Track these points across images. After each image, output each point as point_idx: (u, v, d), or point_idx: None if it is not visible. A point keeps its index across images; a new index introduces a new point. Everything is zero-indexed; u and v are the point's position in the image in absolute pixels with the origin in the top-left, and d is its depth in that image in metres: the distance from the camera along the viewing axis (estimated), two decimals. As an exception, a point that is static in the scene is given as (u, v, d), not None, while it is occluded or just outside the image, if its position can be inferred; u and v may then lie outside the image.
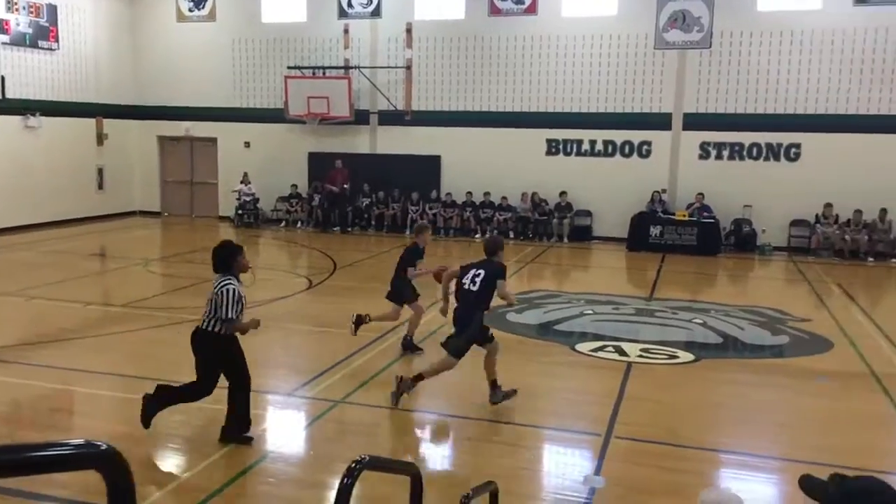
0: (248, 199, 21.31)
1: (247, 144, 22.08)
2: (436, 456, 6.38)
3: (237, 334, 6.16)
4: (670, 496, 5.35)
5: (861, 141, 17.03)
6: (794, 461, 6.19)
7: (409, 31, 20.27)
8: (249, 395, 6.19)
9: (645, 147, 18.96)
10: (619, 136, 19.06)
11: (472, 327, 7.00)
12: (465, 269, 7.23)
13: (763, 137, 17.96)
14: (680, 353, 9.28)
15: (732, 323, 10.89)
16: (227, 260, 6.12)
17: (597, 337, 9.87)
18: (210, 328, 6.04)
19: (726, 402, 7.53)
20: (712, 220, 17.75)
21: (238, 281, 6.13)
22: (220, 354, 6.08)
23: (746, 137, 18.08)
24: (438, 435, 6.86)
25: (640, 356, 9.04)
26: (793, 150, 17.82)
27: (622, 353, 9.17)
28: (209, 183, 22.80)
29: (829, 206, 17.17)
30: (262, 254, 17.79)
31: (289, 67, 20.98)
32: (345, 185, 20.47)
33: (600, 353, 9.13)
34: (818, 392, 8.04)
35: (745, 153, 18.21)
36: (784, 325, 10.84)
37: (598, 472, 5.80)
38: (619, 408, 7.17)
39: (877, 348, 9.63)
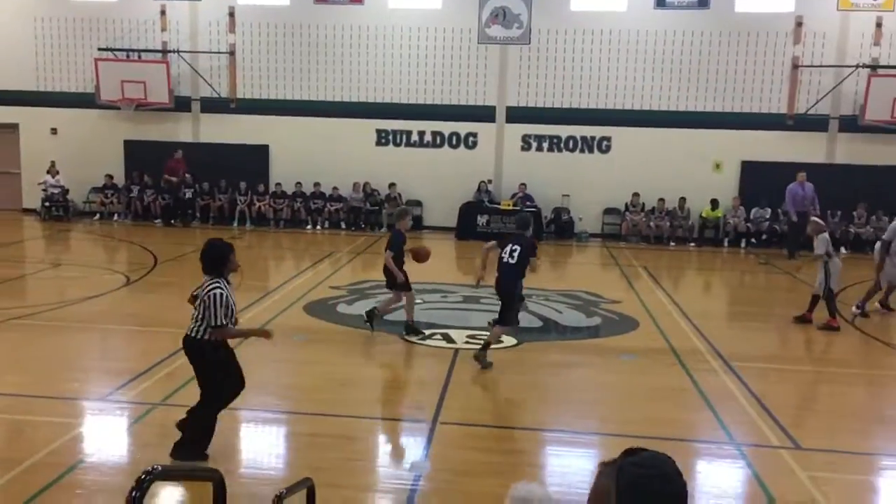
0: (55, 190, 19.74)
1: (53, 131, 20.43)
2: (258, 455, 6.28)
3: (226, 342, 5.73)
4: (495, 476, 5.61)
5: (663, 135, 18.52)
6: (606, 434, 6.71)
7: (231, 15, 19.59)
8: (218, 411, 5.78)
9: (471, 138, 19.53)
10: (446, 127, 19.50)
11: (515, 297, 8.26)
12: (502, 245, 8.36)
13: (578, 131, 19.07)
14: (504, 337, 9.69)
15: (552, 307, 11.53)
16: (218, 261, 5.67)
17: (425, 325, 10.09)
18: (196, 335, 5.59)
19: (546, 383, 7.98)
20: (534, 209, 18.63)
21: (228, 283, 5.69)
22: (210, 361, 5.63)
23: (563, 130, 19.12)
24: (264, 434, 6.76)
25: (467, 342, 9.35)
26: (604, 142, 19.08)
27: (449, 340, 9.46)
28: (11, 173, 20.88)
29: (636, 195, 18.57)
30: (72, 250, 16.57)
31: (100, 49, 19.63)
32: (186, 175, 19.54)
33: (428, 341, 9.36)
34: (624, 369, 8.71)
35: (562, 145, 19.25)
36: (597, 308, 11.62)
37: (424, 458, 5.97)
38: (446, 394, 7.40)
39: (676, 326, 10.55)
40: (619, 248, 17.89)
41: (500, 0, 18.84)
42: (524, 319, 10.69)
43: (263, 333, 5.98)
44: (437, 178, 19.42)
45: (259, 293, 11.71)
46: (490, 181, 19.30)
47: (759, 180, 17.97)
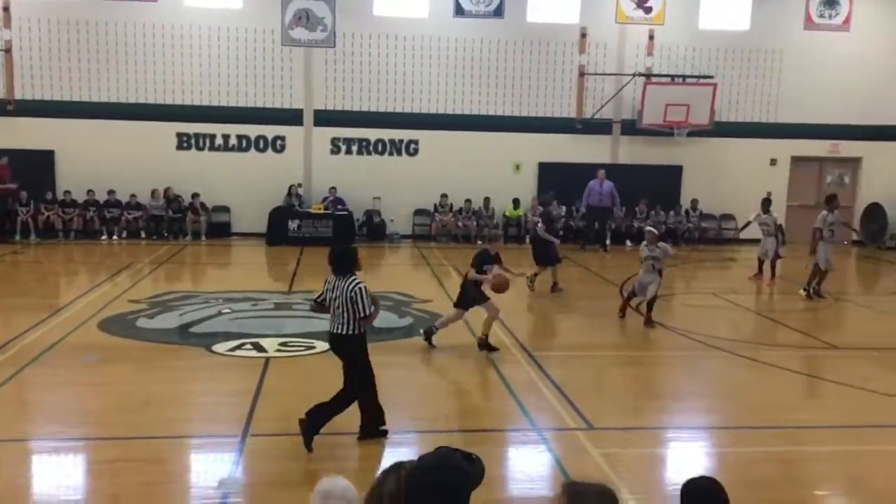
0: None
1: None
2: (50, 490, 5.81)
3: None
4: (309, 485, 5.56)
5: (467, 137, 19.24)
6: (420, 432, 6.88)
7: (6, 9, 17.86)
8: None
9: (279, 142, 19.19)
10: (252, 130, 19.02)
11: None
12: None
13: (387, 134, 19.33)
14: (317, 343, 9.64)
15: (364, 309, 11.60)
16: (351, 261, 6.44)
17: (234, 336, 9.81)
18: (350, 331, 6.34)
19: (357, 386, 8.03)
20: (346, 212, 18.66)
21: None
22: (363, 354, 6.44)
23: (372, 134, 19.30)
24: (56, 465, 6.25)
25: (279, 350, 9.21)
26: (412, 145, 19.48)
27: (260, 349, 9.26)
28: None
29: (444, 196, 19.15)
30: None
31: None
32: (10, 186, 17.55)
33: (238, 352, 9.11)
34: (436, 366, 8.98)
35: (371, 148, 19.43)
36: (409, 308, 11.87)
37: (234, 473, 5.82)
38: (256, 405, 7.25)
39: (483, 323, 11.00)
40: (430, 248, 18.36)
41: (302, 2, 18.65)
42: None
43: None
44: (244, 183, 18.88)
45: (47, 312, 10.80)
46: (300, 185, 19.07)
47: (554, 180, 19.15)
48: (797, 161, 20.10)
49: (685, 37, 19.36)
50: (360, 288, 6.27)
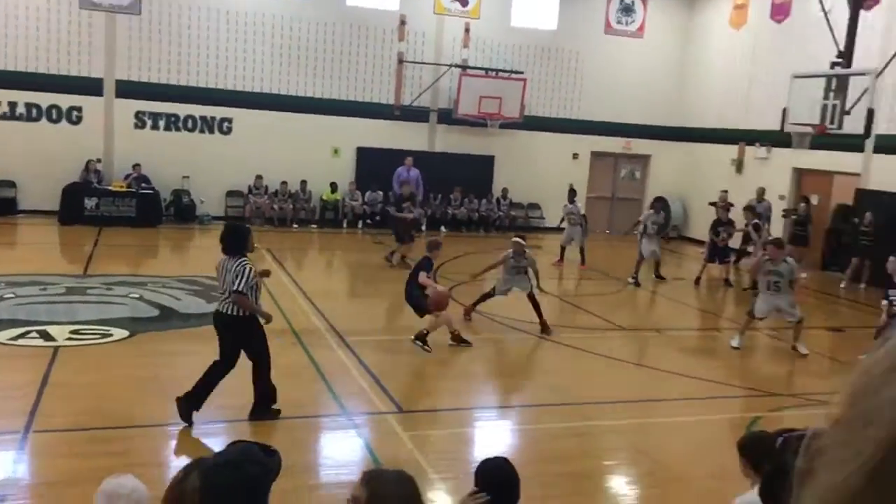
0: None
1: None
2: None
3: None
4: (93, 483, 5.20)
5: (285, 118, 18.76)
6: (221, 422, 6.65)
7: None
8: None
9: (75, 113, 17.68)
10: (44, 99, 17.37)
11: None
12: None
13: (198, 110, 18.39)
14: (114, 330, 9.03)
15: (169, 294, 11.03)
16: (243, 241, 6.60)
17: (18, 323, 8.94)
18: (236, 312, 6.42)
19: (158, 375, 7.63)
20: (151, 191, 17.57)
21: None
22: (257, 336, 6.54)
23: (182, 109, 18.28)
24: None
25: (70, 339, 8.52)
26: (225, 123, 18.69)
27: (48, 337, 8.52)
28: None
29: (259, 177, 18.57)
30: None
31: None
32: None
33: (21, 341, 8.32)
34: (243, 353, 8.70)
35: (181, 124, 18.42)
36: (218, 292, 11.39)
37: (12, 474, 5.31)
38: (41, 399, 6.66)
39: (297, 307, 10.85)
40: (243, 231, 17.72)
41: (103, -37, 17.24)
42: (136, 309, 10.09)
43: (267, 317, 6.76)
44: (33, 156, 17.19)
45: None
46: (99, 160, 17.67)
47: (373, 165, 19.20)
48: (596, 156, 21.54)
49: (499, 32, 20.07)
50: (244, 266, 6.41)
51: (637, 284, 14.22)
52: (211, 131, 18.64)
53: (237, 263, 6.41)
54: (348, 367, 8.27)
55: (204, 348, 8.68)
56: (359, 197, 19.20)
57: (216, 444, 5.91)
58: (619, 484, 6.34)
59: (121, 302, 10.43)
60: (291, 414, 6.87)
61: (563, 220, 16.37)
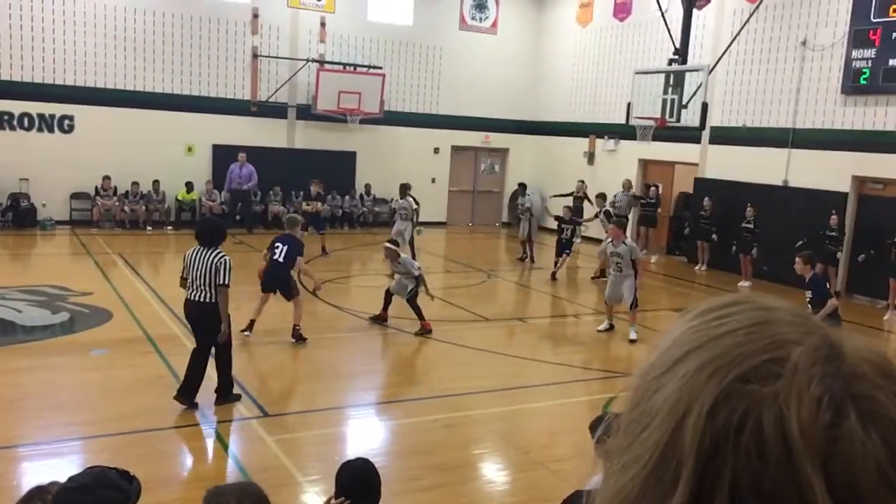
0: None
1: None
2: None
3: None
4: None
5: (133, 115, 17.81)
6: (76, 439, 6.28)
7: None
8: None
9: None
10: None
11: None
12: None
13: (34, 107, 17.13)
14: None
15: (8, 306, 10.26)
16: (220, 235, 7.17)
17: None
18: (211, 299, 6.81)
19: (4, 395, 7.09)
20: (-16, 196, 16.23)
21: None
22: (217, 321, 6.85)
23: (16, 107, 16.98)
24: None
25: None
26: (66, 121, 17.52)
27: None
28: None
29: (107, 178, 17.55)
30: None
31: None
32: None
33: None
34: (96, 365, 8.27)
35: (16, 123, 17.10)
36: (65, 302, 10.73)
37: None
38: None
39: (153, 313, 10.38)
40: (92, 234, 16.74)
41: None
42: (193, 294, 9.65)
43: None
44: None
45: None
46: (-80, 163, 16.12)
47: (230, 163, 18.58)
48: (456, 150, 21.92)
49: (355, 27, 19.96)
50: (225, 259, 6.88)
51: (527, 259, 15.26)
52: (50, 130, 17.43)
53: (217, 256, 6.87)
54: (209, 373, 8.01)
55: (50, 362, 8.18)
56: (217, 196, 18.57)
57: (66, 464, 5.57)
58: (486, 472, 6.53)
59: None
60: (149, 426, 6.60)
61: (394, 213, 16.49)
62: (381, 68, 19.95)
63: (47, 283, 11.69)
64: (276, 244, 9.40)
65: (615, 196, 16.97)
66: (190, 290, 7.00)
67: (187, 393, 6.90)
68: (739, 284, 14.73)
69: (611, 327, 10.76)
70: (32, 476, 5.61)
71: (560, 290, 14.52)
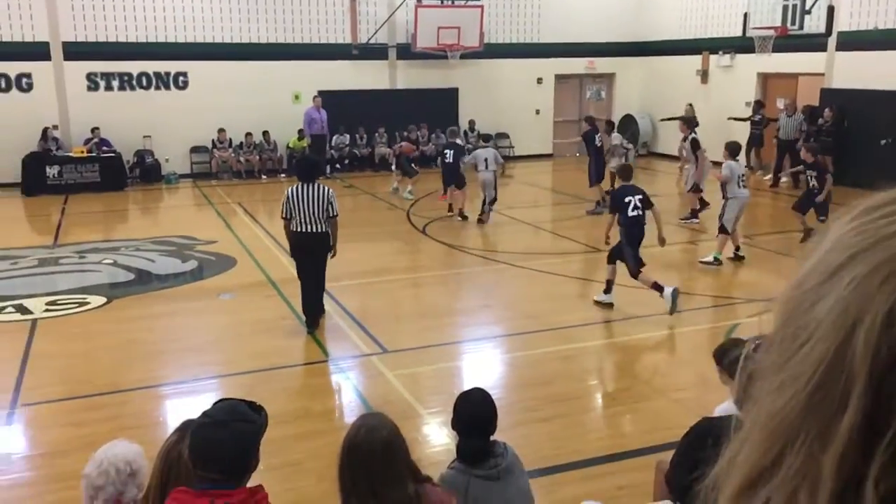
0: None
1: None
2: None
3: None
4: (84, 450, 5.26)
5: (240, 68, 18.30)
6: (211, 378, 6.70)
7: None
8: None
9: (25, 80, 17.14)
10: (-11, 68, 16.81)
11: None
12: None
13: (151, 66, 17.89)
14: (91, 297, 8.98)
15: (143, 256, 10.95)
16: (320, 169, 8.05)
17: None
18: (324, 229, 7.35)
19: (141, 338, 7.63)
20: (113, 154, 17.22)
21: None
22: (325, 250, 7.57)
23: (134, 67, 17.78)
24: None
25: (47, 310, 8.48)
26: (181, 78, 18.22)
27: (25, 311, 8.46)
28: None
29: (222, 130, 18.23)
30: None
31: None
32: None
33: (-2, 317, 8.26)
34: (225, 308, 8.74)
35: (135, 83, 17.93)
36: (192, 251, 11.34)
37: (5, 447, 5.35)
38: (25, 372, 6.66)
39: (273, 258, 10.81)
40: (212, 186, 17.54)
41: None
42: (111, 275, 10.04)
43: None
44: (-12, 128, 16.73)
45: None
46: (56, 127, 17.23)
47: (336, 109, 18.86)
48: (560, 79, 21.33)
49: (451, -41, 19.54)
50: (329, 192, 7.35)
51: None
52: (167, 87, 18.19)
53: (323, 191, 7.32)
54: (330, 313, 8.31)
55: (183, 307, 8.71)
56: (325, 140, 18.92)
57: (205, 401, 5.97)
58: (605, 402, 6.51)
59: (95, 269, 10.34)
60: (277, 364, 6.94)
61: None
62: (479, 0, 19.52)
63: (176, 234, 12.38)
64: (445, 151, 12.97)
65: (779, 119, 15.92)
66: (299, 224, 7.34)
67: (311, 320, 7.70)
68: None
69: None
70: (175, 412, 6.04)
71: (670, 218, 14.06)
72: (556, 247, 11.62)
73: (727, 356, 3.69)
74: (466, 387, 6.14)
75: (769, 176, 16.40)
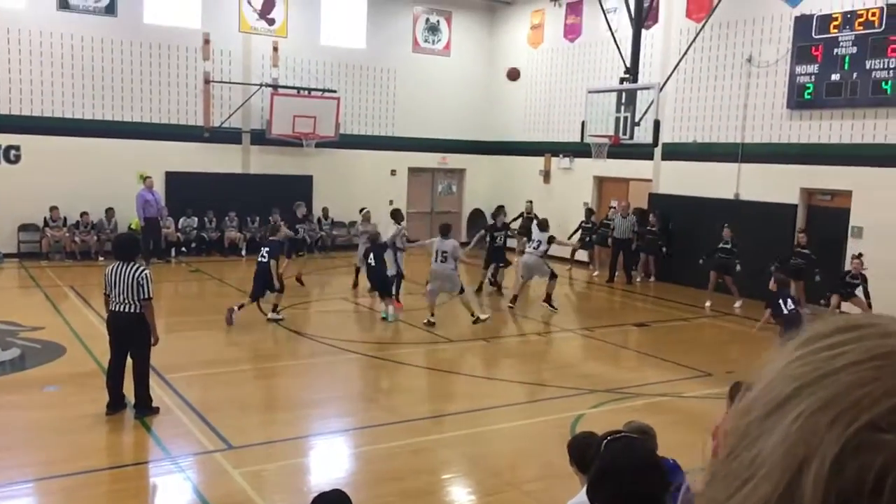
0: None
1: None
2: None
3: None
4: None
5: (81, 144, 17.42)
6: (29, 481, 6.05)
7: None
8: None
9: None
10: None
11: None
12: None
13: (-22, 138, 16.67)
14: None
15: (-45, 345, 9.87)
16: (136, 248, 7.74)
17: None
18: (136, 310, 7.15)
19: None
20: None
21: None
22: (140, 333, 7.26)
23: (-41, 138, 16.49)
24: None
25: None
26: (12, 151, 17.08)
27: None
28: None
29: (55, 208, 17.12)
30: None
31: None
32: None
33: None
34: (49, 402, 7.99)
35: (-41, 155, 16.59)
36: (15, 338, 10.38)
37: None
38: None
39: (107, 346, 10.06)
40: (41, 267, 16.29)
41: None
42: (118, 306, 9.12)
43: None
44: None
45: None
46: None
47: (185, 191, 18.32)
48: (413, 171, 21.93)
49: (308, 51, 19.90)
50: (145, 274, 7.21)
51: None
52: (-3, 161, 16.96)
53: (139, 271, 7.19)
54: (170, 406, 7.81)
55: (3, 400, 7.88)
56: (171, 224, 18.23)
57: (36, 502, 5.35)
58: (455, 496, 6.46)
59: None
60: (105, 464, 6.38)
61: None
62: (335, 91, 19.91)
63: (-4, 319, 11.31)
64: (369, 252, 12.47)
65: (609, 218, 17.15)
66: (114, 303, 7.24)
67: (119, 405, 7.44)
68: (735, 305, 14.13)
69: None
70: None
71: (525, 310, 14.54)
72: (408, 337, 11.65)
73: (578, 450, 3.79)
74: (318, 484, 5.92)
75: (598, 273, 17.54)
